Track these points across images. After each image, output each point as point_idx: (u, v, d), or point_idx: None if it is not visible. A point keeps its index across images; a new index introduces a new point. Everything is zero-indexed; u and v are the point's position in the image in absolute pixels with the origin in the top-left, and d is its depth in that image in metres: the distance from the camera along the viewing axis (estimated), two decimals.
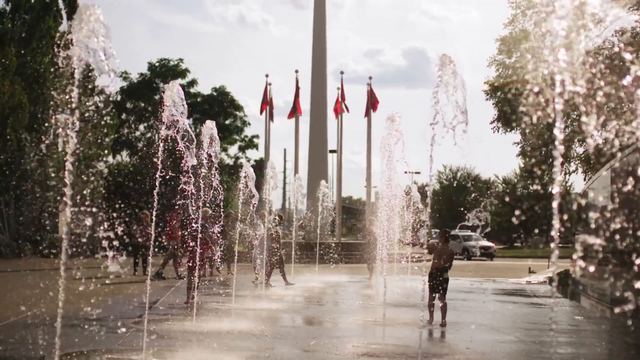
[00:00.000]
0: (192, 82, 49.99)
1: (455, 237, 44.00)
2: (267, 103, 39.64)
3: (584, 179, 33.04)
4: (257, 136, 53.31)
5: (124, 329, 10.03)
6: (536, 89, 3.85)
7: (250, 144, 53.48)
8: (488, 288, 20.66)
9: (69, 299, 6.46)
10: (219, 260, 18.78)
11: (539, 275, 25.63)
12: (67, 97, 5.50)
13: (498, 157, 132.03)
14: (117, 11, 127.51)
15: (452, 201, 67.86)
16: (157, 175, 8.12)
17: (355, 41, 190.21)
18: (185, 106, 8.63)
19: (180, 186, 9.88)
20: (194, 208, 10.78)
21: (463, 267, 30.15)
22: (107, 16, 5.75)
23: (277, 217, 19.80)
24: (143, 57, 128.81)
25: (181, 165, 9.14)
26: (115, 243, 5.86)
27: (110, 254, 5.85)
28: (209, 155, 10.94)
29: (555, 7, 3.75)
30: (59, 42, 5.61)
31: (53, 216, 28.18)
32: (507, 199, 62.31)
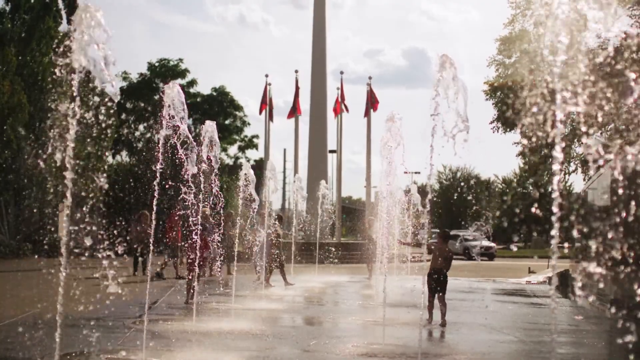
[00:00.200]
0: (192, 82, 50.05)
1: (456, 236, 44.04)
2: (266, 103, 39.63)
3: (584, 179, 33.08)
4: (256, 136, 53.42)
5: (123, 329, 10.03)
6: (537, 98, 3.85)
7: (250, 144, 53.55)
8: (488, 288, 20.66)
9: (69, 299, 6.47)
10: (219, 262, 18.77)
11: (539, 275, 25.64)
12: (66, 107, 5.49)
13: (498, 157, 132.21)
14: (117, 11, 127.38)
15: (452, 201, 67.85)
16: (155, 184, 8.10)
17: (355, 41, 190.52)
18: (186, 110, 8.60)
19: (181, 196, 9.90)
20: (194, 209, 10.78)
21: (463, 267, 30.15)
22: (107, 16, 5.73)
23: (277, 217, 19.76)
24: (143, 57, 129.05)
25: (181, 174, 9.13)
26: (115, 263, 5.88)
27: (110, 273, 5.87)
28: (209, 160, 10.89)
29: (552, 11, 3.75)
30: (57, 49, 5.59)
31: (53, 216, 28.17)
32: (505, 198, 62.34)
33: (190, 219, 11.66)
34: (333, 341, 9.91)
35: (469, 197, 66.68)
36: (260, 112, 40.24)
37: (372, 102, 39.16)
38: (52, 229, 28.41)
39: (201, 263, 13.79)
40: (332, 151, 44.02)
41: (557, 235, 4.09)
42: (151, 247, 9.19)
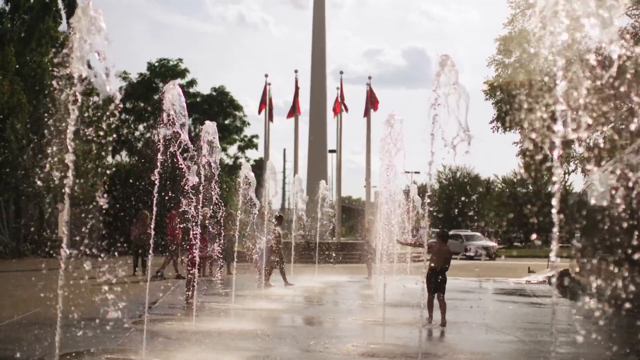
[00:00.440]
0: (192, 82, 49.97)
1: (457, 236, 43.94)
2: (265, 103, 39.61)
3: (584, 179, 33.08)
4: (256, 136, 53.32)
5: (124, 329, 10.03)
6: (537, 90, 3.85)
7: (249, 144, 53.47)
8: (488, 288, 20.66)
9: (69, 299, 6.46)
10: (220, 262, 18.75)
11: (539, 275, 25.63)
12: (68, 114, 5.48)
13: (498, 157, 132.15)
14: (117, 11, 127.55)
15: (451, 201, 67.80)
16: (155, 183, 8.09)
17: (355, 41, 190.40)
18: (186, 114, 8.56)
19: (182, 208, 9.91)
20: (193, 210, 10.77)
21: (463, 267, 30.14)
22: (107, 16, 5.72)
23: (277, 217, 19.73)
24: (143, 57, 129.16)
25: (182, 183, 9.13)
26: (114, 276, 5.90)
27: (110, 273, 5.87)
28: (209, 164, 10.85)
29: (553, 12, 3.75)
30: (55, 60, 5.57)
31: (53, 216, 28.18)
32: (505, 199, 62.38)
33: (191, 219, 11.65)
34: (333, 341, 9.91)
35: (467, 199, 66.54)
36: (260, 112, 40.23)
37: (372, 102, 39.14)
38: (49, 231, 28.44)
39: (201, 263, 13.79)
40: (332, 151, 44.05)
41: (557, 236, 4.09)
42: (151, 247, 9.19)
